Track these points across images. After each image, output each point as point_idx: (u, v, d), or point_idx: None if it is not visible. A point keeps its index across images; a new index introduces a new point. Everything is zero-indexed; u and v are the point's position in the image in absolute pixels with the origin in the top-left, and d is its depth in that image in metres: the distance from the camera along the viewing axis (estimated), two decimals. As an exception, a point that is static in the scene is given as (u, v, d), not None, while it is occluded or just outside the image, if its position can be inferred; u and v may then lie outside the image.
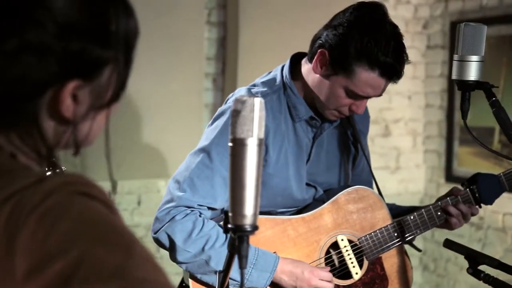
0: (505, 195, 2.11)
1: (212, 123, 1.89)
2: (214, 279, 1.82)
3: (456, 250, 1.91)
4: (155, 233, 1.83)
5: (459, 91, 1.76)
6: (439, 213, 2.00)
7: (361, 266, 1.97)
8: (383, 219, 1.99)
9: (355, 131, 2.01)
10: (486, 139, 3.49)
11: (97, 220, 0.78)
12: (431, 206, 2.00)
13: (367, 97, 1.82)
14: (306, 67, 1.88)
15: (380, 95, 1.84)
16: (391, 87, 3.89)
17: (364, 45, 1.73)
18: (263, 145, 1.12)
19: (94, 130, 0.92)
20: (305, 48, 1.90)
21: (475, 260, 1.85)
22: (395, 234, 1.98)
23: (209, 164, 1.82)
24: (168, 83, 3.42)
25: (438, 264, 3.95)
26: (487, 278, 1.81)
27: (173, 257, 1.83)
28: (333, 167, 2.01)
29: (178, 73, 3.43)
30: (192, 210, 1.82)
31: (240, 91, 1.91)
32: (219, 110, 1.90)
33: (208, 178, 1.81)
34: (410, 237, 1.99)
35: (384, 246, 1.97)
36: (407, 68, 4.11)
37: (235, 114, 1.11)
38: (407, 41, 4.40)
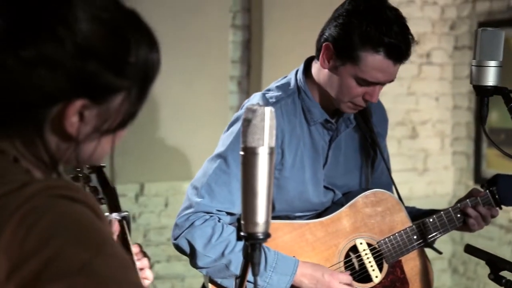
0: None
1: (228, 129, 1.90)
2: (234, 283, 1.84)
3: (477, 256, 1.90)
4: (175, 239, 1.85)
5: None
6: (458, 215, 1.99)
7: (380, 270, 1.96)
8: (402, 222, 1.99)
9: (373, 134, 2.01)
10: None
11: (74, 220, 0.80)
12: (450, 209, 1.99)
13: (378, 83, 1.81)
14: (315, 66, 1.89)
15: (391, 80, 1.83)
16: (418, 88, 3.90)
17: (364, 30, 1.74)
18: (274, 154, 1.13)
19: (98, 152, 0.93)
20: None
21: (496, 266, 1.84)
22: (415, 237, 1.97)
23: (226, 170, 1.83)
24: (194, 86, 3.45)
25: (468, 267, 3.92)
26: (508, 284, 1.80)
27: (194, 263, 1.85)
28: (351, 170, 2.01)
29: (203, 76, 3.46)
30: (211, 216, 1.83)
31: (255, 96, 1.92)
32: (234, 116, 1.91)
33: (225, 184, 1.83)
34: (430, 240, 1.99)
35: (404, 249, 1.97)
36: (434, 70, 4.09)
37: (246, 123, 1.12)
38: (434, 42, 4.33)
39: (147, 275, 1.40)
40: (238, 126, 1.85)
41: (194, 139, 3.44)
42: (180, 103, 3.42)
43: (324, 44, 1.82)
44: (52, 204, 0.80)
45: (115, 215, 1.33)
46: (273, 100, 1.88)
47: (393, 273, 1.98)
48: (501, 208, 2.02)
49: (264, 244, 1.73)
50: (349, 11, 1.78)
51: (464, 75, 3.90)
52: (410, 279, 2.00)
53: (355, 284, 1.92)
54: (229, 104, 3.57)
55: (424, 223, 1.98)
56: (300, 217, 1.96)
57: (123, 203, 1.37)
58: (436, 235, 1.99)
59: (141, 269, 1.39)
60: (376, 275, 1.96)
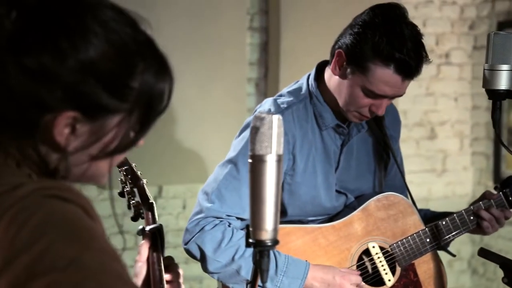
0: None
1: (239, 135, 1.91)
2: None
3: (491, 259, 1.89)
4: (186, 244, 1.87)
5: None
6: (471, 218, 1.99)
7: (393, 273, 1.96)
8: (415, 225, 1.99)
9: (386, 137, 2.01)
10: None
11: (64, 218, 0.82)
12: (463, 211, 1.99)
13: (385, 97, 1.81)
14: (328, 72, 1.90)
15: (400, 95, 1.84)
16: (437, 89, 3.88)
17: (377, 42, 1.75)
18: (282, 161, 1.14)
19: (93, 171, 0.94)
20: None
21: (510, 269, 1.83)
22: (428, 240, 1.97)
23: (236, 175, 1.85)
24: (211, 88, 3.47)
25: (487, 268, 3.89)
26: (522, 288, 1.79)
27: (204, 267, 1.86)
28: (364, 173, 2.01)
29: (221, 79, 3.48)
30: (221, 221, 1.84)
31: (267, 102, 1.93)
32: (245, 121, 1.93)
33: (236, 189, 1.84)
34: (443, 243, 1.99)
35: (417, 252, 1.97)
36: (453, 70, 4.06)
37: (254, 131, 1.13)
38: (453, 42, 4.29)
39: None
40: (249, 132, 1.86)
41: (212, 141, 3.45)
42: (197, 106, 3.44)
43: (337, 51, 1.83)
44: (44, 203, 0.82)
45: (148, 228, 1.37)
46: (285, 105, 1.89)
47: (406, 277, 1.98)
48: (515, 210, 2.01)
49: (277, 249, 1.74)
50: (365, 21, 1.79)
51: (483, 75, 3.88)
52: (423, 282, 2.00)
53: (368, 287, 1.93)
54: (247, 106, 3.58)
55: (437, 226, 1.98)
56: (312, 221, 1.96)
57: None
58: (449, 237, 1.99)
59: (170, 281, 1.41)
60: (389, 279, 1.96)
